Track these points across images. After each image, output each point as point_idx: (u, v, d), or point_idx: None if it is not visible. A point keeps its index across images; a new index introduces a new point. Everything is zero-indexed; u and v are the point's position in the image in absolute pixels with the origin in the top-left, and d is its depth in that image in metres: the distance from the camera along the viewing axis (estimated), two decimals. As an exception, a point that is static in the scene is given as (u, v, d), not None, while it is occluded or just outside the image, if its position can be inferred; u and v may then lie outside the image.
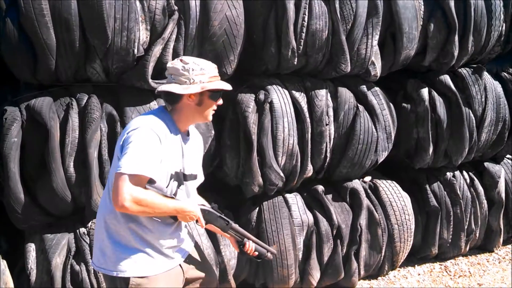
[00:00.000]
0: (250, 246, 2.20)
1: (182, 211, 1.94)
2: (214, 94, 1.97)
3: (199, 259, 2.25)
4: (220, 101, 2.04)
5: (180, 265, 2.08)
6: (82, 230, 2.88)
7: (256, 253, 2.24)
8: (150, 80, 2.83)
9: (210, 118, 2.06)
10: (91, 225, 2.89)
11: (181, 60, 1.94)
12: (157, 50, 2.79)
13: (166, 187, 1.94)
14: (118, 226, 1.92)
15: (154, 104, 2.93)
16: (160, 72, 2.90)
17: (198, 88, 1.90)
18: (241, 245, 2.22)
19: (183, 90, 1.89)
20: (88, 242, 2.84)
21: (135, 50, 2.76)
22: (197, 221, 2.03)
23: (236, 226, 2.21)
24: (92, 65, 2.78)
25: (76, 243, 2.86)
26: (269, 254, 2.29)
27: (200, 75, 1.91)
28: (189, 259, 2.16)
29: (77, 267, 2.80)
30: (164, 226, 1.98)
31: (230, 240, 2.26)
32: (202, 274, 2.22)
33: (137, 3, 2.73)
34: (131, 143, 1.80)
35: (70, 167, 2.73)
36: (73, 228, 2.91)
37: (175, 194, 2.00)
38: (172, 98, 1.92)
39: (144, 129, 1.83)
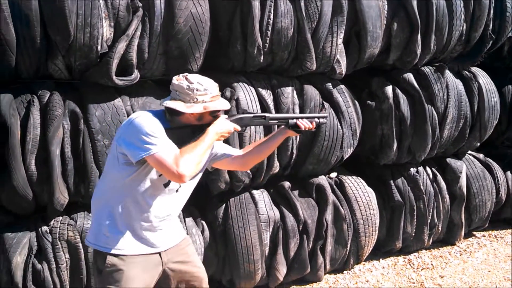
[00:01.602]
0: (304, 123, 2.29)
1: (218, 134, 2.08)
2: (214, 111, 2.09)
3: (189, 254, 2.27)
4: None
5: (160, 255, 2.11)
6: (45, 228, 2.84)
7: (315, 124, 2.34)
8: (114, 77, 2.80)
9: None
10: (53, 224, 2.86)
11: (186, 78, 2.03)
12: (121, 47, 2.76)
13: (160, 175, 2.02)
14: (108, 204, 2.03)
15: (118, 101, 2.91)
16: (125, 69, 2.88)
17: (201, 107, 2.02)
18: (295, 127, 2.30)
19: (186, 108, 2.00)
20: (51, 241, 2.80)
21: (99, 47, 2.73)
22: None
23: (274, 114, 2.35)
24: (54, 61, 2.73)
25: (38, 242, 2.81)
26: (322, 120, 2.39)
27: (203, 95, 2.02)
28: (175, 252, 2.19)
29: (39, 266, 2.76)
30: (147, 210, 2.05)
31: (287, 134, 2.34)
32: (189, 269, 2.24)
33: (101, -1, 2.70)
34: (144, 127, 1.91)
35: (32, 165, 2.68)
36: (34, 227, 2.86)
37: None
38: (175, 112, 2.03)
39: (148, 114, 1.99)
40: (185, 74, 2.07)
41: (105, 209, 2.04)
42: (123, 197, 2.01)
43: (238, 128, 2.19)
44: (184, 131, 2.04)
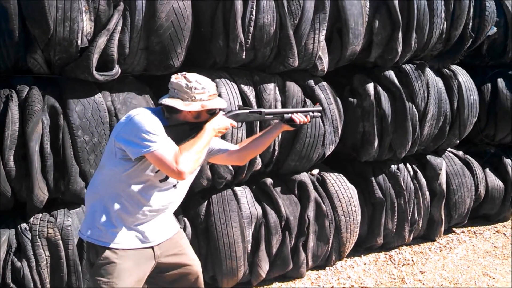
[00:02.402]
0: (298, 117, 2.34)
1: (216, 131, 2.11)
2: (211, 109, 2.11)
3: (182, 247, 2.29)
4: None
5: (153, 249, 2.14)
6: (24, 225, 2.80)
7: (309, 118, 2.38)
8: (94, 72, 2.77)
9: None
10: (33, 221, 2.82)
11: (185, 77, 2.06)
12: (101, 41, 2.73)
13: (157, 171, 2.04)
14: (103, 198, 2.05)
15: (99, 97, 2.87)
16: (105, 64, 2.85)
17: (199, 106, 2.05)
18: (290, 122, 2.34)
19: (184, 106, 2.03)
20: (30, 238, 2.76)
21: (79, 41, 2.69)
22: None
23: (269, 110, 2.38)
24: (33, 56, 2.68)
25: (17, 239, 2.77)
26: (316, 113, 2.44)
27: (201, 93, 2.05)
28: (168, 246, 2.21)
29: (18, 264, 2.72)
30: (143, 205, 2.06)
31: (283, 128, 2.38)
32: (183, 261, 2.26)
33: (81, -8, 2.66)
34: (144, 125, 1.93)
35: (10, 161, 2.64)
36: (14, 224, 2.82)
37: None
38: (173, 110, 2.05)
39: (147, 111, 2.02)
40: (183, 73, 2.09)
41: (100, 202, 2.05)
42: (118, 191, 2.03)
43: (235, 124, 2.23)
44: (182, 128, 2.06)
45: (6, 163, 2.64)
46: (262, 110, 2.33)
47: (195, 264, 2.32)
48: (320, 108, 2.54)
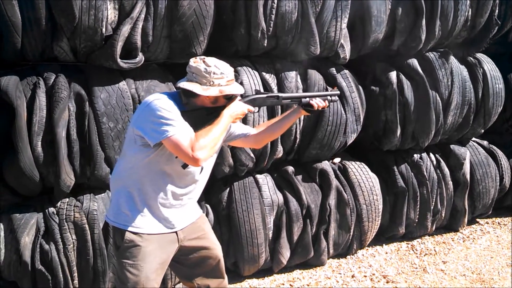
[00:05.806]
0: (317, 102, 2.34)
1: (233, 117, 2.11)
2: (228, 95, 2.11)
3: (205, 231, 2.33)
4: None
5: (176, 233, 2.18)
6: (51, 209, 2.88)
7: (327, 102, 2.38)
8: (118, 60, 2.82)
9: None
10: (60, 205, 2.90)
11: (204, 61, 2.05)
12: (125, 29, 2.78)
13: (177, 157, 2.06)
14: (126, 184, 2.08)
15: (123, 84, 2.93)
16: (129, 52, 2.90)
17: (217, 91, 2.05)
18: (308, 106, 2.34)
19: (203, 91, 2.03)
20: (58, 222, 2.84)
21: (103, 29, 2.74)
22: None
23: (286, 94, 2.38)
24: (60, 44, 2.75)
25: (45, 223, 2.86)
26: (333, 98, 2.44)
27: (219, 78, 2.05)
28: (191, 230, 2.25)
29: (46, 247, 2.81)
30: (166, 190, 2.10)
31: (302, 113, 2.40)
32: (205, 245, 2.30)
33: (105, -19, 2.71)
34: (160, 110, 1.95)
35: (38, 146, 2.71)
36: (42, 208, 2.91)
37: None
38: (191, 94, 2.06)
39: (163, 97, 2.03)
40: (202, 57, 2.09)
41: (124, 188, 2.09)
42: (141, 177, 2.06)
43: (252, 109, 2.23)
44: (199, 113, 2.06)
45: (34, 148, 2.71)
46: (280, 94, 2.33)
47: (216, 248, 2.36)
48: (338, 92, 2.50)
